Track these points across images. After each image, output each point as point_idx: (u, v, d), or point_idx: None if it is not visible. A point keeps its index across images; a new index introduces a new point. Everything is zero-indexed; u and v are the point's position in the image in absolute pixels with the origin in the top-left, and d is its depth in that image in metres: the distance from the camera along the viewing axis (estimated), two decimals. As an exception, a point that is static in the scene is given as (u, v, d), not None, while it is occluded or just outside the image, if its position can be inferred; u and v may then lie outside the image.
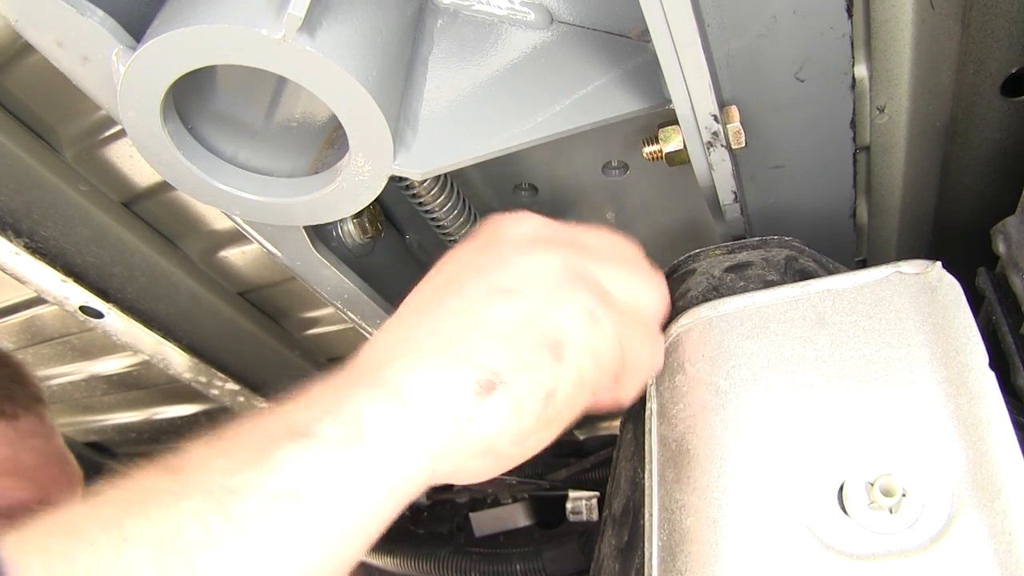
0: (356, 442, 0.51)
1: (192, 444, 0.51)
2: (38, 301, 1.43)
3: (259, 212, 0.78)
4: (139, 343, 1.27)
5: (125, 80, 0.64)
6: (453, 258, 0.67)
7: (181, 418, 1.94)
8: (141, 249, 1.23)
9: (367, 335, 1.11)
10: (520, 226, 0.66)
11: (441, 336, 0.56)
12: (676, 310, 0.76)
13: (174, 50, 0.62)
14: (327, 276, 0.97)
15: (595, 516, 1.42)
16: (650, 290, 0.67)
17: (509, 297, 0.58)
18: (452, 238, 1.03)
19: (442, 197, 0.97)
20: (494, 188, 1.12)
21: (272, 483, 0.48)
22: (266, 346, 1.48)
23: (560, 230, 0.67)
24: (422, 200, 0.96)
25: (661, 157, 0.86)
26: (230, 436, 0.52)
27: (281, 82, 0.79)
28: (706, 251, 0.86)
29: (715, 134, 0.77)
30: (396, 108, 0.72)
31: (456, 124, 0.77)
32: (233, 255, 1.30)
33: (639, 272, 0.67)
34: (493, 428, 0.55)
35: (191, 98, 0.73)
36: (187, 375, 1.38)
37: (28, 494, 1.07)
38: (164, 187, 1.16)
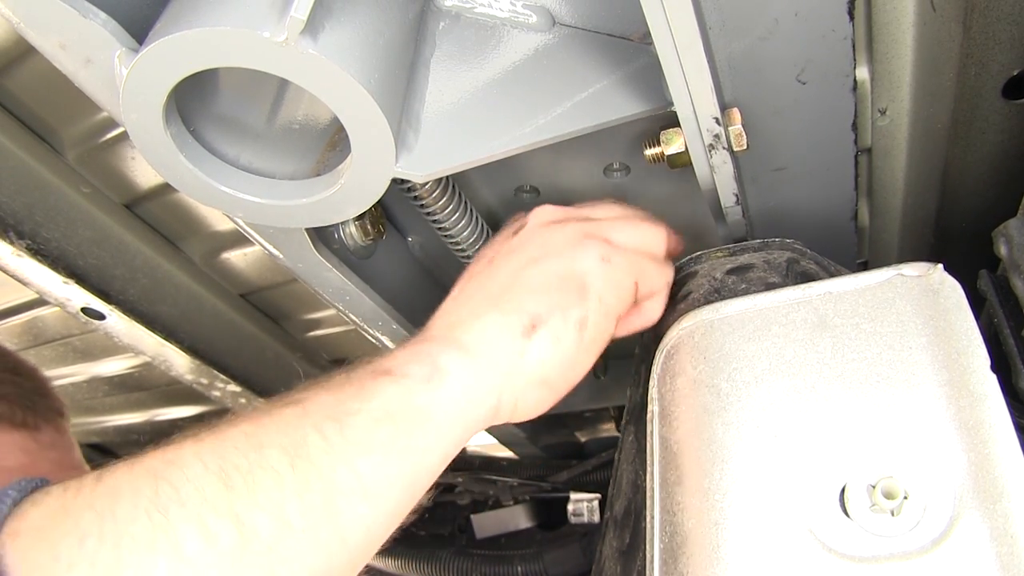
0: (437, 380, 0.66)
1: (301, 388, 0.66)
2: (40, 303, 1.43)
3: (261, 214, 0.78)
4: (141, 345, 1.27)
5: (127, 82, 0.64)
6: (490, 248, 0.83)
7: (183, 419, 1.94)
8: (143, 251, 1.23)
9: (369, 337, 1.11)
10: (538, 215, 0.81)
11: (490, 299, 0.73)
12: (677, 312, 0.76)
13: (177, 53, 0.62)
14: (329, 278, 0.97)
15: (597, 518, 1.41)
16: (648, 232, 0.81)
17: (537, 262, 0.74)
18: (454, 240, 1.03)
19: (444, 199, 0.97)
20: (496, 190, 1.12)
21: (374, 408, 0.63)
22: (268, 348, 1.48)
23: (570, 210, 0.82)
24: (424, 202, 0.96)
25: (663, 159, 0.86)
26: (332, 380, 0.66)
27: (283, 84, 0.79)
28: (707, 253, 0.86)
29: (717, 136, 0.77)
30: (398, 110, 0.72)
31: (458, 127, 0.77)
32: (235, 257, 1.30)
33: (638, 222, 0.82)
34: (542, 358, 0.70)
35: (193, 100, 0.73)
36: (189, 377, 1.38)
37: None
38: (166, 189, 1.16)
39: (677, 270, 0.88)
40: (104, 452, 2.23)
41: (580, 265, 0.73)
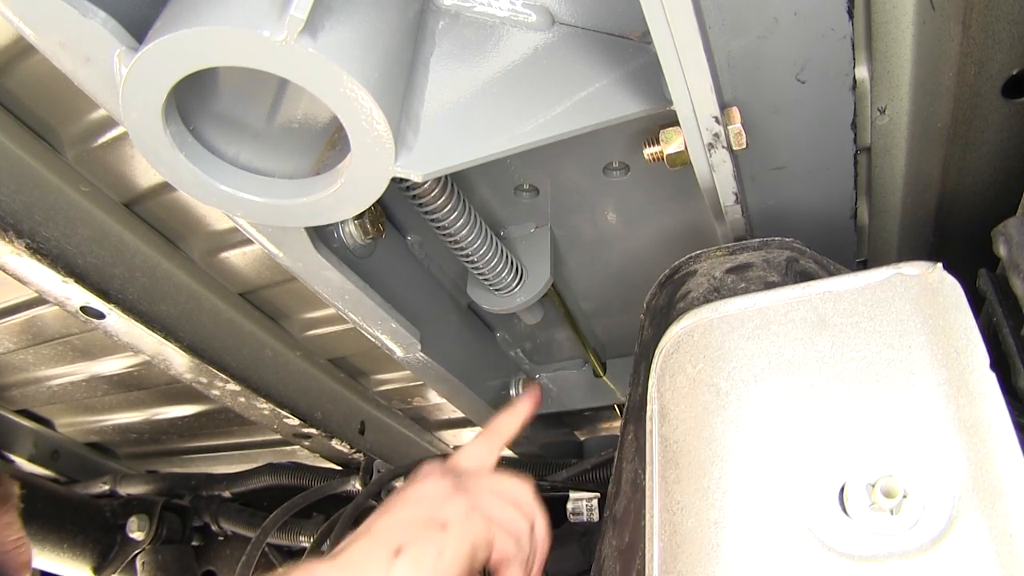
0: None
1: None
2: (39, 301, 1.43)
3: (261, 213, 0.78)
4: (140, 344, 1.27)
5: (127, 81, 0.64)
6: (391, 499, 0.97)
7: (182, 418, 1.94)
8: (142, 250, 1.23)
9: (368, 336, 1.11)
10: (430, 473, 0.96)
11: (369, 529, 0.88)
12: (677, 311, 0.76)
13: (176, 52, 0.62)
14: (328, 277, 0.97)
15: (596, 517, 1.41)
16: (514, 514, 0.95)
17: (411, 504, 0.90)
18: (453, 239, 1.03)
19: (443, 198, 0.97)
20: (495, 190, 1.12)
21: None
22: (267, 347, 1.48)
23: (454, 470, 0.97)
24: (423, 202, 0.96)
25: (662, 158, 0.86)
26: None
27: (283, 83, 0.79)
28: (707, 252, 0.86)
29: (716, 135, 0.77)
30: (397, 109, 0.72)
31: (457, 125, 0.77)
32: (234, 256, 1.30)
33: (512, 504, 0.95)
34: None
35: (193, 99, 0.73)
36: (188, 376, 1.38)
37: None
38: (165, 188, 1.16)
39: (676, 269, 0.88)
40: (104, 451, 2.23)
41: (446, 512, 0.90)
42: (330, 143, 0.80)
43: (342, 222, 1.00)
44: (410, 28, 0.77)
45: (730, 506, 0.58)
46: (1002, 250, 0.82)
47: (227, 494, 2.00)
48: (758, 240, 0.85)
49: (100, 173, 1.15)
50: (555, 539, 1.50)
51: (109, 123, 1.07)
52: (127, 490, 2.07)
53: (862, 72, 0.85)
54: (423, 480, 0.97)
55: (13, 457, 1.99)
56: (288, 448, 1.96)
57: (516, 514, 0.96)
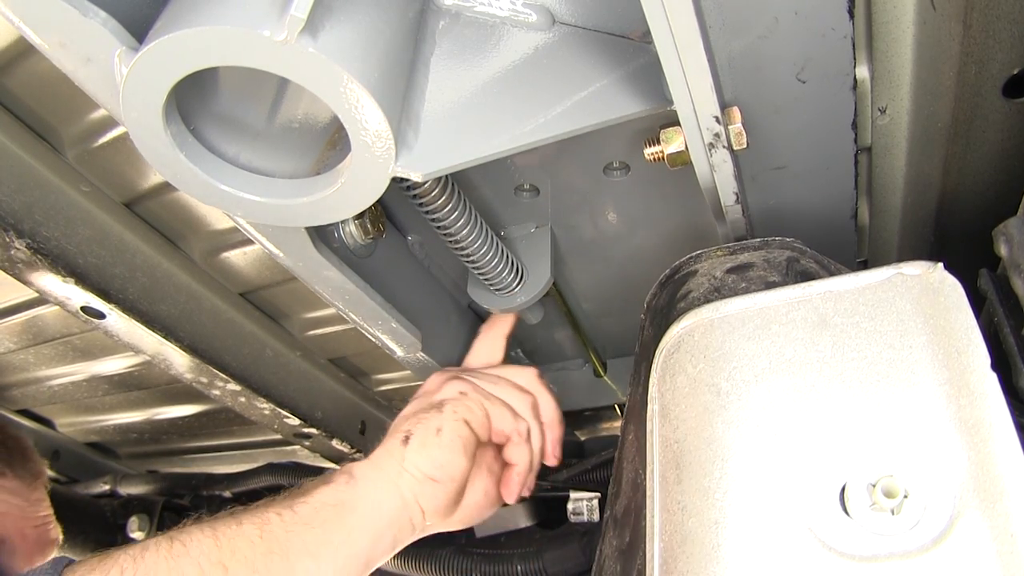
0: (352, 483, 0.96)
1: None
2: (40, 301, 1.43)
3: (261, 213, 0.78)
4: (140, 343, 1.27)
5: (127, 81, 0.64)
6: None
7: (182, 418, 1.94)
8: (143, 250, 1.23)
9: (368, 336, 1.11)
10: (442, 373, 1.10)
11: (389, 430, 1.03)
12: (677, 311, 0.76)
13: (176, 51, 0.62)
14: (328, 277, 0.97)
15: (596, 517, 1.41)
16: (513, 390, 1.06)
17: (416, 399, 1.05)
18: (454, 239, 1.03)
19: (443, 198, 0.97)
20: (495, 189, 1.12)
21: (314, 501, 0.92)
22: (267, 347, 1.48)
23: (461, 369, 1.12)
24: (423, 201, 0.96)
25: (663, 158, 0.86)
26: (291, 490, 0.96)
27: (283, 83, 0.79)
28: (708, 252, 0.86)
29: (717, 135, 0.77)
30: (398, 109, 0.72)
31: (458, 125, 0.77)
32: (234, 256, 1.30)
33: (509, 381, 1.07)
34: (416, 459, 0.97)
35: (193, 99, 0.73)
36: (188, 376, 1.38)
37: None
38: (166, 188, 1.16)
39: (677, 269, 0.88)
40: (104, 451, 2.23)
41: (441, 395, 1.02)
42: (330, 143, 0.80)
43: (342, 222, 1.00)
44: (410, 28, 0.77)
45: (731, 506, 0.58)
46: (1003, 250, 0.81)
47: (227, 494, 2.00)
48: (759, 240, 0.85)
49: (100, 173, 1.15)
50: (555, 539, 1.50)
51: (109, 123, 1.07)
52: (127, 490, 2.07)
53: (863, 72, 0.85)
54: (428, 380, 1.09)
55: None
56: (288, 448, 1.96)
57: (513, 392, 1.04)
